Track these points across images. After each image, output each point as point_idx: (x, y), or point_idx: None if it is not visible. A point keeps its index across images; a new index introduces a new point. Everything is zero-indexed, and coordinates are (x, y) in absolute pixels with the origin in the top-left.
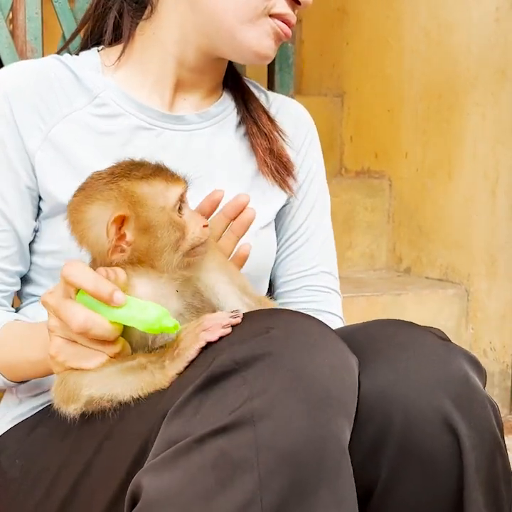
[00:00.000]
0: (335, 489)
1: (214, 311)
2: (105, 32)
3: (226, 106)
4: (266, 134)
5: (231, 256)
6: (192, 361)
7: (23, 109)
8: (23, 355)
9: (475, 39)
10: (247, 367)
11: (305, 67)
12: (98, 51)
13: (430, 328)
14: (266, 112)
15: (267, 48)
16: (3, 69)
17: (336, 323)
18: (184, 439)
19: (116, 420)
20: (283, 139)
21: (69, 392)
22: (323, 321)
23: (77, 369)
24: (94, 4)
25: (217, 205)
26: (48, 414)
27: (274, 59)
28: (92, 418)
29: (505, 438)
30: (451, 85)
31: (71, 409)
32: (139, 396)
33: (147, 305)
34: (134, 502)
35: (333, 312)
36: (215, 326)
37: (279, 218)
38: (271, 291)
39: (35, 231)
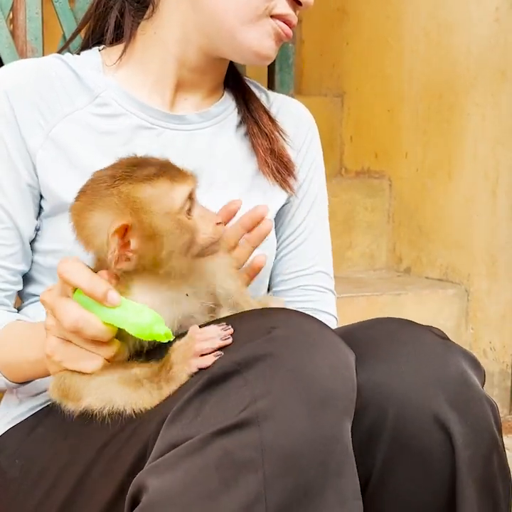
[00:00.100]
0: (339, 489)
1: (229, 307)
2: (106, 31)
3: (227, 106)
4: (267, 134)
5: (244, 265)
6: None
7: (24, 107)
8: (23, 355)
9: (475, 39)
10: (248, 368)
11: (305, 67)
12: (99, 51)
13: (429, 326)
14: (267, 112)
15: (268, 48)
16: (2, 68)
17: (331, 322)
18: (186, 440)
19: (116, 422)
20: (284, 139)
21: (68, 392)
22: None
23: (73, 371)
24: (95, 3)
25: (234, 216)
26: (47, 414)
27: (274, 59)
28: (92, 420)
29: (505, 438)
30: (451, 85)
31: (70, 406)
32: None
33: (143, 309)
34: (135, 502)
35: (329, 312)
36: (206, 351)
37: (279, 217)
38: (267, 289)
39: (37, 230)
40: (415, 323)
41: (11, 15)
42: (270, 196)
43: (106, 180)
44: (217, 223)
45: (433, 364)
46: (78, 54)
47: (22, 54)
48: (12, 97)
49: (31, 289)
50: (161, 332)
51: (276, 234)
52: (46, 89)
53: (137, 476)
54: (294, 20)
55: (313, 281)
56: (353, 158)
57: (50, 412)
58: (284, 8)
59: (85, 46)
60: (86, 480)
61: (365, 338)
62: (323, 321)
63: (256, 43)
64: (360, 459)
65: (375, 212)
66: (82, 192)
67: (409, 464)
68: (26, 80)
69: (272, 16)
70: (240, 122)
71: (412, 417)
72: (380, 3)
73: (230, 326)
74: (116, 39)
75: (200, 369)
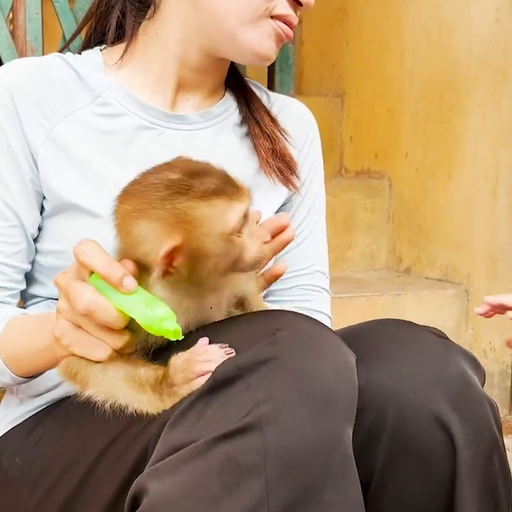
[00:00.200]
0: (340, 491)
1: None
2: (108, 31)
3: (228, 106)
4: (268, 135)
5: (263, 271)
6: None
7: (26, 105)
8: (30, 343)
9: (475, 39)
10: (250, 372)
11: (305, 67)
12: (100, 50)
13: (429, 327)
14: (268, 113)
15: (268, 49)
16: (3, 66)
17: (326, 322)
18: (187, 444)
19: (118, 424)
20: (286, 139)
21: (76, 375)
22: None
23: (80, 357)
24: (97, 2)
25: (282, 231)
26: (48, 415)
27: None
28: (94, 421)
29: (505, 438)
30: (451, 86)
31: (78, 387)
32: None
33: (157, 303)
34: (135, 505)
35: (324, 312)
36: (206, 372)
37: None
38: None
39: (39, 229)
40: (415, 323)
41: (11, 15)
42: (271, 195)
43: (160, 189)
44: (265, 242)
45: (433, 364)
46: (79, 54)
47: (22, 54)
48: (15, 94)
49: (32, 289)
50: (170, 328)
51: None
52: (47, 87)
53: (138, 478)
54: (295, 20)
55: (311, 281)
56: (353, 159)
57: (51, 413)
58: (284, 8)
59: (87, 46)
60: (88, 480)
61: (365, 339)
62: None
63: (256, 43)
64: (361, 460)
65: (375, 213)
66: (130, 194)
67: (410, 464)
68: (28, 77)
69: (272, 17)
70: (241, 122)
71: (412, 418)
72: (381, 3)
73: (232, 350)
74: (118, 39)
75: None
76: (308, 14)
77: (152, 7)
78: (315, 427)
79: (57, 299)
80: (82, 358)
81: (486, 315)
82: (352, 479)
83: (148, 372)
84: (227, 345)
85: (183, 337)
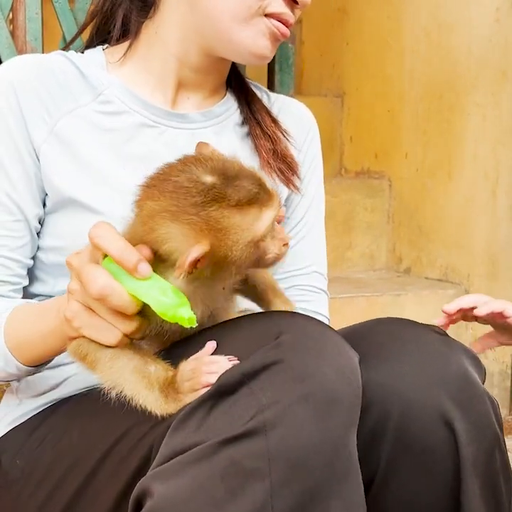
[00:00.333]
0: (344, 495)
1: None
2: (113, 28)
3: (229, 106)
4: (269, 136)
5: None
6: None
7: (30, 99)
8: (36, 326)
9: (475, 39)
10: (254, 377)
11: (305, 67)
12: (103, 50)
13: (430, 325)
14: (269, 114)
15: (263, 47)
16: (5, 62)
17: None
18: (189, 448)
19: (122, 425)
20: (287, 139)
21: (85, 357)
22: None
23: (91, 340)
24: (103, 1)
25: None
26: (49, 415)
27: (274, 59)
28: (97, 422)
29: (505, 438)
30: (451, 86)
31: (87, 369)
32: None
33: (172, 290)
34: (138, 507)
35: (322, 313)
36: (212, 383)
37: None
38: None
39: (41, 225)
40: (415, 322)
41: (11, 15)
42: None
43: (194, 194)
44: (284, 245)
45: (435, 362)
46: (82, 52)
47: (22, 54)
48: (18, 90)
49: (33, 287)
50: (185, 316)
51: None
52: (50, 83)
53: (141, 480)
54: (291, 19)
55: (309, 282)
56: (353, 159)
57: (54, 413)
58: (278, 6)
59: (90, 44)
60: (91, 481)
61: (366, 338)
62: None
63: (250, 41)
64: (364, 460)
65: (375, 213)
66: (159, 192)
67: (413, 463)
68: (31, 73)
69: (266, 15)
70: (242, 122)
71: (415, 416)
72: (381, 3)
73: (238, 362)
74: (121, 38)
75: None
76: (308, 14)
77: (153, 7)
78: (319, 430)
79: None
80: (92, 341)
81: (446, 326)
82: (356, 483)
83: (158, 371)
84: (234, 357)
85: (197, 324)
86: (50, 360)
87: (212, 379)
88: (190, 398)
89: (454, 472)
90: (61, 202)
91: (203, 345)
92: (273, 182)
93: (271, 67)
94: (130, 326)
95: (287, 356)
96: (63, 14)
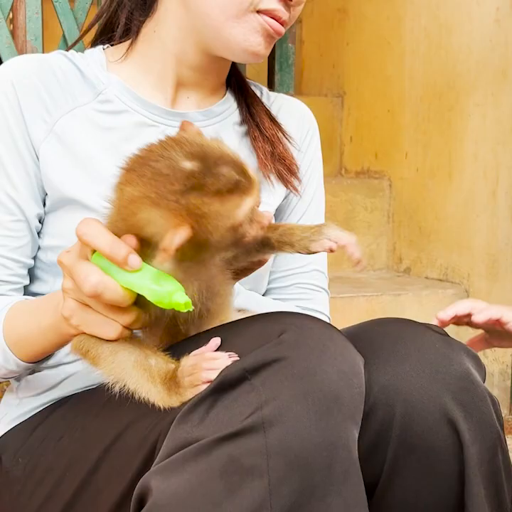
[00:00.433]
0: (344, 494)
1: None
2: (117, 27)
3: (229, 106)
4: (268, 138)
5: None
6: None
7: (29, 98)
8: (35, 321)
9: (475, 40)
10: (255, 374)
11: (305, 67)
12: (103, 49)
13: (430, 325)
14: (269, 115)
15: (256, 44)
16: (5, 62)
17: None
18: (191, 443)
19: (123, 423)
20: (288, 140)
21: (87, 353)
22: None
23: (91, 336)
24: (109, 1)
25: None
26: (50, 413)
27: (274, 59)
28: (99, 418)
29: (505, 438)
30: (451, 86)
31: (90, 364)
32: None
33: (164, 277)
34: (141, 503)
35: (323, 311)
36: (212, 379)
37: (278, 213)
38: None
39: (41, 224)
40: (416, 322)
41: (11, 15)
42: (270, 193)
43: (173, 182)
44: (262, 227)
45: (437, 362)
46: (82, 52)
47: (22, 54)
48: (18, 89)
49: (33, 287)
50: (181, 301)
51: None
52: (50, 82)
53: (143, 477)
54: (284, 15)
55: (309, 280)
56: (353, 159)
57: (53, 412)
58: (271, 3)
59: (94, 43)
60: (93, 479)
61: (368, 339)
62: None
63: (242, 38)
64: (370, 461)
65: (375, 213)
66: (138, 175)
67: (418, 461)
68: (31, 72)
69: (259, 12)
70: (241, 122)
71: (419, 416)
72: (381, 3)
73: (238, 358)
74: (124, 36)
75: None
76: (308, 14)
77: (152, 6)
78: (318, 428)
79: None
80: (92, 336)
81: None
82: (355, 481)
83: (159, 364)
84: (234, 353)
85: (193, 308)
86: (49, 357)
87: (212, 375)
88: (190, 393)
89: (459, 472)
90: (60, 201)
91: (206, 343)
92: (270, 183)
93: (271, 66)
94: (128, 318)
95: (289, 355)
96: (63, 14)
